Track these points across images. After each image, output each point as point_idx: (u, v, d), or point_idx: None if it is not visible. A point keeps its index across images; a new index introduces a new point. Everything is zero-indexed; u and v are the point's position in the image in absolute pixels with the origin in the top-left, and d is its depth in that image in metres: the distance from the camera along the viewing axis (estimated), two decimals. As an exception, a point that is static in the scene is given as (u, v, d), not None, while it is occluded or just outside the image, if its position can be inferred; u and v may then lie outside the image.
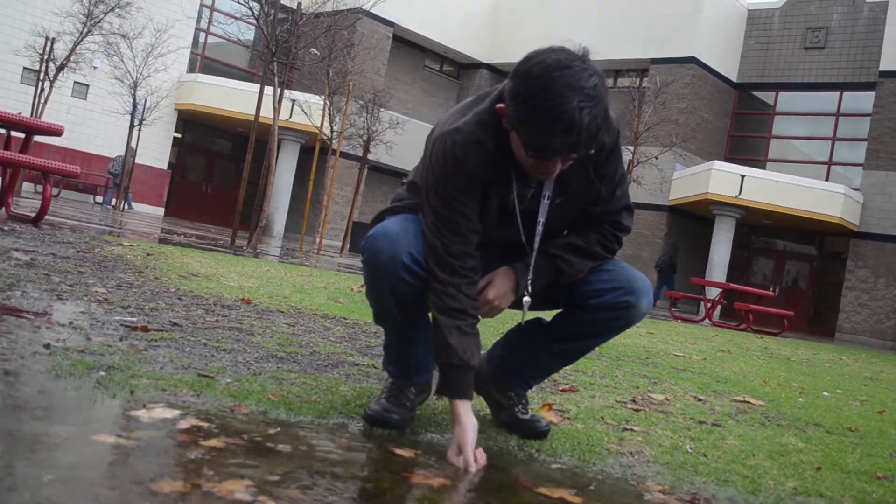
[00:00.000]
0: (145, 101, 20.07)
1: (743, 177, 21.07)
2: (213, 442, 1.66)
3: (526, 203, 2.01)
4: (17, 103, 20.24)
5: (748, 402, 3.44)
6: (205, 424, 1.78)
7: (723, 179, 21.14)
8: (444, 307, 1.95)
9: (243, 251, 9.49)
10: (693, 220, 24.21)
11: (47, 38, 17.94)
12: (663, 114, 21.63)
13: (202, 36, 26.06)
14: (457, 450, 1.88)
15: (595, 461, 2.08)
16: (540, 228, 2.03)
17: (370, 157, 19.97)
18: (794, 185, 21.19)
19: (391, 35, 26.43)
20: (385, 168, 25.01)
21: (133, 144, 19.76)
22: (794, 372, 5.73)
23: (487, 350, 2.36)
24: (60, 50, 18.28)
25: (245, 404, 2.01)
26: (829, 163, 24.58)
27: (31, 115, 17.34)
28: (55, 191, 19.31)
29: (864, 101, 23.28)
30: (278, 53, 11.28)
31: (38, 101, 17.56)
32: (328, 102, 16.34)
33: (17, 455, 1.41)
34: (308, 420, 2.00)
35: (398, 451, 1.88)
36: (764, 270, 25.45)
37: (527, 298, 2.07)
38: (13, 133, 7.48)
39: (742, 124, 26.61)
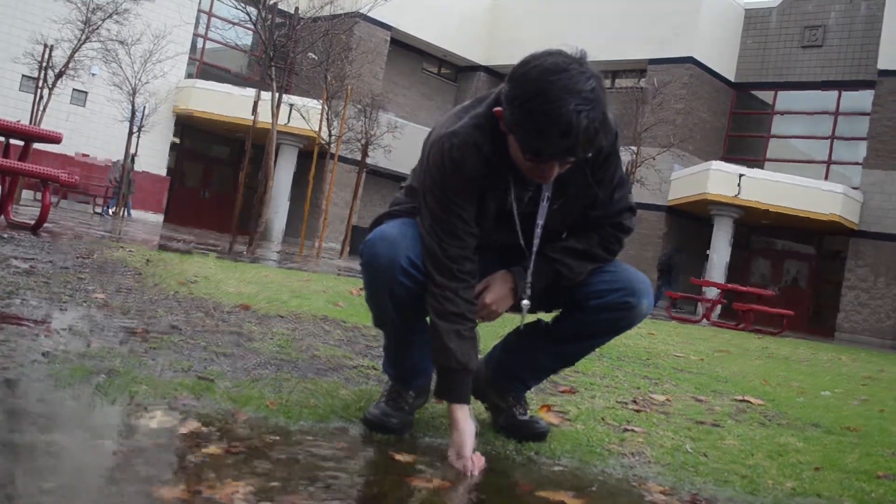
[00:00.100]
0: (144, 107, 20.07)
1: (741, 176, 21.07)
2: (213, 447, 1.66)
3: (524, 206, 2.01)
4: (16, 111, 20.24)
5: (748, 402, 3.44)
6: (205, 429, 1.78)
7: (721, 179, 21.14)
8: (443, 311, 1.96)
9: (242, 256, 9.49)
10: (692, 220, 24.21)
11: (46, 46, 17.94)
12: (661, 114, 21.63)
13: (200, 42, 26.08)
14: (456, 454, 1.88)
15: (596, 462, 2.08)
16: (539, 231, 2.03)
17: (368, 160, 19.98)
18: (793, 185, 21.19)
19: (389, 38, 26.45)
20: (383, 172, 25.01)
21: (132, 151, 19.77)
22: (793, 371, 5.73)
23: (486, 354, 2.36)
24: (59, 57, 18.29)
25: (245, 410, 2.01)
26: (828, 162, 24.57)
27: (30, 122, 17.34)
28: (54, 199, 19.29)
29: (862, 99, 23.28)
30: (276, 58, 11.29)
31: (37, 109, 17.56)
32: (326, 107, 16.35)
33: (18, 462, 1.41)
34: (308, 425, 2.01)
35: (397, 456, 1.89)
36: (763, 270, 25.44)
37: (525, 302, 2.07)
38: (12, 141, 7.48)
39: (740, 124, 26.61)
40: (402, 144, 21.68)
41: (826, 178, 23.78)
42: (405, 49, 28.03)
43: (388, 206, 2.21)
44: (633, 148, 18.95)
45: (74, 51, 17.95)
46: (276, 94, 11.07)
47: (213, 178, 27.50)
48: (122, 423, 1.78)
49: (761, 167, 23.75)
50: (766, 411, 3.28)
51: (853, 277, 21.92)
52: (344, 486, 1.60)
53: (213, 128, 25.21)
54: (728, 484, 2.02)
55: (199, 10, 25.25)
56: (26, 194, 19.38)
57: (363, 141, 19.14)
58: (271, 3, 11.54)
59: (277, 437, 1.84)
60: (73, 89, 21.55)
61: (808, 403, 3.77)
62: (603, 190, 2.05)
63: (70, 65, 17.91)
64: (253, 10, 11.35)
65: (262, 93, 11.52)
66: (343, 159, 21.57)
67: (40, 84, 17.81)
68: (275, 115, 10.97)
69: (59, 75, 17.79)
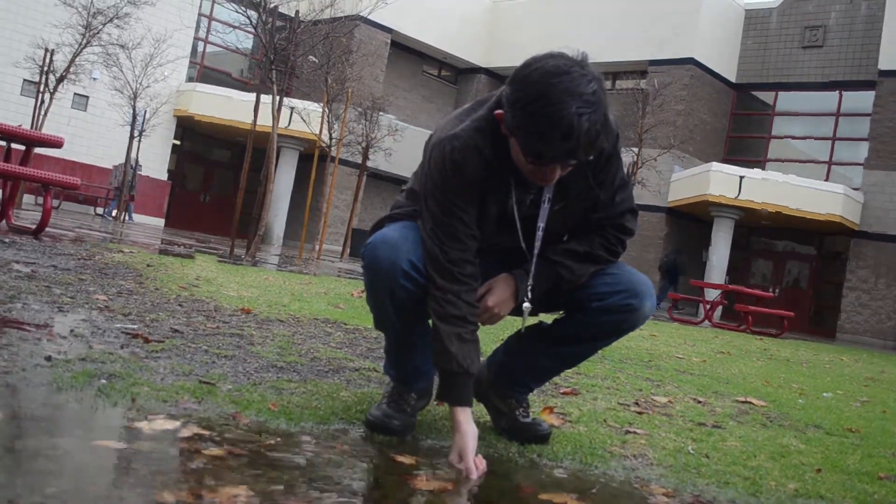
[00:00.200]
0: (145, 112, 20.10)
1: (742, 178, 21.07)
2: (215, 451, 1.67)
3: (525, 209, 2.02)
4: (18, 115, 20.27)
5: (749, 403, 3.44)
6: (206, 433, 1.79)
7: (722, 181, 21.14)
8: (444, 314, 1.96)
9: (242, 260, 9.49)
10: (693, 221, 24.21)
11: (47, 50, 17.96)
12: (661, 116, 21.64)
13: (201, 45, 26.11)
14: (457, 457, 1.88)
15: (598, 464, 2.08)
16: (540, 234, 2.03)
17: (369, 163, 19.99)
18: (794, 186, 21.19)
19: (389, 41, 26.48)
20: (384, 175, 25.03)
21: (133, 155, 19.78)
22: (794, 373, 5.72)
23: (487, 357, 2.36)
24: (60, 61, 18.30)
25: (246, 413, 2.01)
26: (829, 162, 24.57)
27: (32, 127, 17.36)
28: (55, 202, 19.32)
29: (863, 100, 23.27)
30: (277, 61, 11.30)
31: (39, 113, 17.58)
32: (327, 110, 16.36)
33: (19, 467, 1.41)
34: (309, 427, 2.01)
35: (399, 458, 1.89)
36: (763, 271, 25.44)
37: (527, 305, 2.07)
38: (13, 145, 7.49)
39: (741, 125, 26.61)
40: (402, 147, 21.70)
41: (827, 178, 23.78)
42: (405, 51, 28.06)
43: (388, 209, 2.21)
44: (633, 149, 18.94)
45: (75, 55, 17.96)
46: (277, 98, 11.07)
47: (214, 182, 27.53)
48: (124, 426, 1.78)
49: (762, 168, 23.75)
50: (768, 413, 3.28)
51: (854, 278, 21.91)
52: (346, 488, 1.61)
53: (213, 131, 25.24)
54: (730, 485, 2.02)
55: (200, 14, 25.28)
56: (27, 198, 19.39)
57: (364, 144, 19.15)
58: (272, 6, 11.55)
59: (279, 440, 1.84)
60: (75, 94, 21.57)
61: (809, 405, 3.77)
62: (604, 192, 2.05)
63: (71, 69, 17.92)
64: (253, 14, 11.34)
65: (263, 96, 11.51)
66: (344, 162, 21.59)
67: (41, 88, 17.83)
68: (275, 118, 10.98)
69: (60, 80, 17.80)
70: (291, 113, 19.33)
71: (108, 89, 20.88)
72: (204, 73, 26.09)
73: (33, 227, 7.00)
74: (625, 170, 2.14)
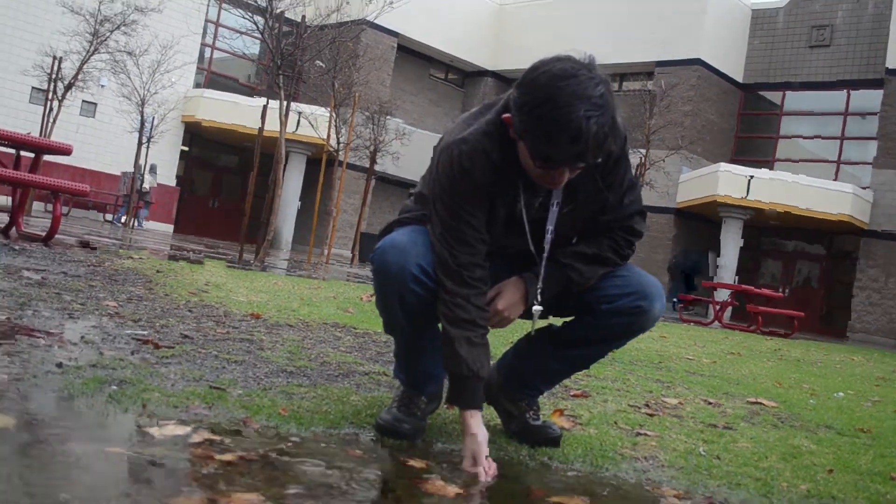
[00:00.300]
0: (153, 118, 20.18)
1: (750, 178, 21.01)
2: (226, 456, 1.67)
3: (534, 212, 2.02)
4: (27, 123, 20.36)
5: (760, 404, 3.43)
6: (217, 438, 1.79)
7: (730, 181, 21.08)
8: (454, 318, 1.96)
9: (251, 265, 9.51)
10: (701, 222, 24.15)
11: (55, 58, 18.04)
12: (668, 117, 21.60)
13: (208, 51, 26.21)
14: (470, 461, 1.88)
15: (609, 467, 2.08)
16: (549, 237, 2.03)
17: (377, 167, 20.01)
18: (803, 185, 21.11)
19: (395, 45, 26.51)
20: (392, 179, 25.04)
21: (142, 162, 19.85)
22: (805, 373, 5.70)
23: (497, 360, 2.36)
24: (68, 69, 18.38)
25: (256, 418, 2.02)
26: (838, 162, 24.48)
27: (40, 134, 17.43)
28: (65, 209, 19.38)
29: (872, 98, 23.18)
30: (284, 66, 11.33)
31: (47, 121, 17.66)
32: (334, 114, 16.38)
33: (33, 474, 1.42)
34: (320, 431, 2.01)
35: (410, 462, 1.89)
36: (773, 271, 25.35)
37: (537, 308, 2.07)
38: (23, 153, 7.53)
39: (748, 125, 26.54)
40: (410, 151, 21.71)
41: (836, 178, 23.69)
42: (412, 55, 28.09)
43: (397, 213, 2.21)
44: (641, 151, 18.91)
45: (83, 62, 18.04)
46: (284, 103, 11.10)
47: (222, 188, 27.60)
48: (135, 432, 1.78)
49: (770, 168, 23.68)
50: (779, 413, 3.27)
51: (864, 278, 21.80)
52: (357, 492, 1.61)
53: (221, 137, 25.30)
54: (742, 487, 2.02)
55: (207, 20, 25.36)
56: (37, 206, 19.48)
57: (371, 148, 19.17)
58: (278, 11, 11.58)
59: (290, 445, 1.85)
60: (83, 101, 21.67)
61: (820, 405, 3.75)
62: (613, 194, 2.05)
63: (79, 76, 17.99)
64: (260, 20, 11.38)
65: (270, 101, 11.54)
66: (351, 166, 21.60)
67: (50, 96, 17.90)
68: (283, 123, 11.00)
69: (68, 87, 17.87)
70: (299, 118, 19.33)
71: (116, 96, 20.96)
72: (211, 78, 26.17)
73: (43, 234, 7.03)
74: (633, 171, 2.14)
